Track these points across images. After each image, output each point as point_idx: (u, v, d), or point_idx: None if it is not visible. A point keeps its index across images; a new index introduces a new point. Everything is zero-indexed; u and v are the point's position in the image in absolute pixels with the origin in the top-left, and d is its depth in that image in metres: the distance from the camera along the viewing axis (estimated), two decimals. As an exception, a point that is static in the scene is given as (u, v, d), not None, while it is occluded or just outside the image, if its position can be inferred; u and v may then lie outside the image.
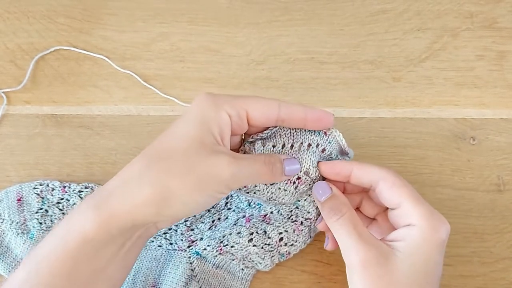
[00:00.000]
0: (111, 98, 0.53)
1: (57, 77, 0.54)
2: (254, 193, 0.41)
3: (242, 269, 0.45)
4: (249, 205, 0.46)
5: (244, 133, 0.40)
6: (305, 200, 0.43)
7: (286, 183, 0.40)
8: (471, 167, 0.50)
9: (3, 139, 0.51)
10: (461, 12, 0.56)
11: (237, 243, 0.44)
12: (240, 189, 0.40)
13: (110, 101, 0.53)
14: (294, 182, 0.40)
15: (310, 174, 0.40)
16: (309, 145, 0.40)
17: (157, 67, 0.54)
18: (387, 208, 0.40)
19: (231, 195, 0.47)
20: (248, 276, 0.45)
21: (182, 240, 0.46)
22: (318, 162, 0.40)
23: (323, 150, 0.40)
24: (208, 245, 0.45)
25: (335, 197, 0.39)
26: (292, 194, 0.41)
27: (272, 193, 0.41)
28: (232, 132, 0.37)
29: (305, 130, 0.40)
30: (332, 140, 0.40)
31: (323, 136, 0.40)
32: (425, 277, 0.35)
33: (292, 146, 0.40)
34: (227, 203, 0.47)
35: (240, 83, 0.53)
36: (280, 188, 0.40)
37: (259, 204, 0.45)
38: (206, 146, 0.35)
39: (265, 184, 0.40)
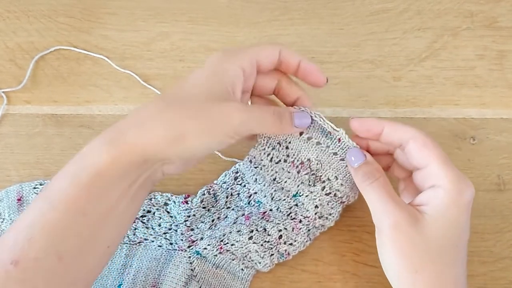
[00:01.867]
0: (111, 98, 0.53)
1: (57, 76, 0.54)
2: (261, 168, 0.43)
3: (242, 269, 0.45)
4: (249, 203, 0.46)
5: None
6: (306, 196, 0.43)
7: (290, 166, 0.42)
8: (471, 167, 0.50)
9: (3, 139, 0.51)
10: (461, 12, 0.56)
11: (237, 241, 0.44)
12: (250, 161, 0.43)
13: (110, 101, 0.53)
14: (297, 167, 0.42)
15: (311, 164, 0.42)
16: (318, 143, 0.42)
17: (157, 67, 0.54)
18: (412, 173, 0.41)
19: (231, 194, 0.47)
20: (248, 276, 0.45)
21: (182, 240, 0.46)
22: (351, 118, 0.41)
23: (335, 154, 0.42)
24: (209, 245, 0.45)
25: (369, 163, 0.40)
26: (294, 179, 0.43)
27: (276, 172, 0.43)
28: (243, 83, 0.39)
29: (321, 133, 0.42)
30: (345, 147, 0.41)
31: (336, 142, 0.41)
32: (453, 239, 0.37)
33: (301, 134, 0.42)
34: (226, 202, 0.47)
35: (240, 82, 0.53)
36: (283, 169, 0.42)
37: (258, 201, 0.45)
38: (217, 94, 0.37)
39: (270, 161, 0.42)
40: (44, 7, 0.57)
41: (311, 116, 0.41)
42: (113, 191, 0.35)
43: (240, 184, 0.46)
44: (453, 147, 0.51)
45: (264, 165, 0.43)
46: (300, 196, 0.44)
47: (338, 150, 0.41)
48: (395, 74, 0.54)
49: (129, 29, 0.56)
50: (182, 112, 0.36)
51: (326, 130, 0.41)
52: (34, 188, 0.48)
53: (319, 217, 0.44)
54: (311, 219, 0.44)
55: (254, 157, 0.43)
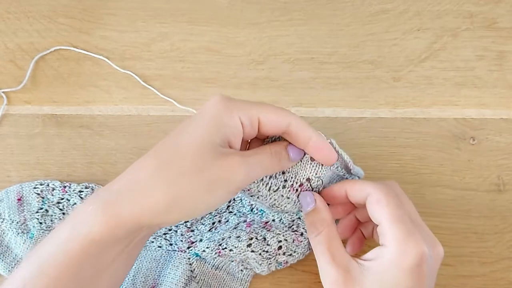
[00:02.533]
0: (111, 98, 0.53)
1: (57, 77, 0.54)
2: (258, 197, 0.40)
3: (242, 270, 0.45)
4: (251, 210, 0.46)
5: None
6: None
7: (289, 191, 0.39)
8: (471, 167, 0.50)
9: (3, 139, 0.51)
10: (461, 12, 0.56)
11: (235, 247, 0.43)
12: (243, 190, 0.40)
13: (110, 101, 0.53)
14: (297, 190, 0.40)
15: (311, 182, 0.39)
16: (313, 158, 0.39)
17: (157, 67, 0.54)
18: None
19: (234, 199, 0.47)
20: (247, 277, 0.45)
21: (182, 241, 0.46)
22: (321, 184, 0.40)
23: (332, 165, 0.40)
24: (207, 247, 0.45)
25: (316, 211, 0.39)
26: (295, 202, 0.40)
27: (275, 199, 0.40)
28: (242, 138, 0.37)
29: None
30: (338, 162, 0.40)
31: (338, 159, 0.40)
32: None
33: None
34: (228, 206, 0.47)
35: (240, 83, 0.53)
36: (283, 196, 0.40)
37: (261, 211, 0.45)
38: (216, 149, 0.34)
39: (268, 190, 0.39)
40: (44, 8, 0.57)
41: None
42: (107, 256, 0.34)
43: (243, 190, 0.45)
44: (453, 148, 0.51)
45: (261, 195, 0.40)
46: (301, 211, 0.42)
47: (339, 167, 0.40)
48: (394, 75, 0.54)
49: (129, 30, 0.56)
50: (179, 175, 0.34)
51: None
52: (34, 188, 0.48)
53: None
54: None
55: (250, 189, 0.40)
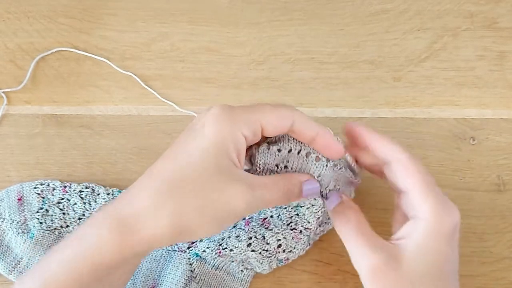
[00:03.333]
0: (112, 98, 0.53)
1: (58, 77, 0.54)
2: None
3: (242, 270, 0.45)
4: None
5: None
6: (307, 208, 0.42)
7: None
8: (471, 167, 0.50)
9: (3, 139, 0.51)
10: (461, 12, 0.56)
11: (236, 247, 0.43)
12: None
13: (110, 101, 0.53)
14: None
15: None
16: (318, 158, 0.38)
17: (157, 67, 0.54)
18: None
19: None
20: (247, 278, 0.45)
21: (182, 240, 0.46)
22: (346, 122, 0.39)
23: (335, 165, 0.39)
24: (208, 247, 0.45)
25: (343, 203, 0.38)
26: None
27: None
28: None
29: None
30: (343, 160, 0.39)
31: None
32: (437, 273, 0.34)
33: (299, 152, 0.38)
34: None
35: (240, 83, 0.53)
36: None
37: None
38: (222, 172, 0.34)
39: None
40: (44, 8, 0.57)
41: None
42: (113, 276, 0.34)
43: None
44: (453, 148, 0.51)
45: None
46: (301, 207, 0.42)
47: (338, 162, 0.39)
48: (395, 75, 0.54)
49: (129, 30, 0.56)
50: (183, 209, 0.33)
51: None
52: (35, 188, 0.48)
53: (319, 225, 0.43)
54: (312, 230, 0.43)
55: None
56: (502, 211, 0.48)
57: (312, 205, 0.42)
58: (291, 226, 0.43)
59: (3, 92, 0.53)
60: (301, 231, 0.43)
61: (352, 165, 0.40)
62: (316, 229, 0.43)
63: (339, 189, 0.40)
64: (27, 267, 0.45)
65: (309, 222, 0.42)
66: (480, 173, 0.50)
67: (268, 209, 0.44)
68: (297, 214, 0.43)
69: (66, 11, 0.57)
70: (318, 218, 0.42)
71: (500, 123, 0.52)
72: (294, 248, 0.44)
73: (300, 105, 0.52)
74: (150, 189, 0.34)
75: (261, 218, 0.44)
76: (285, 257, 0.44)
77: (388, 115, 0.52)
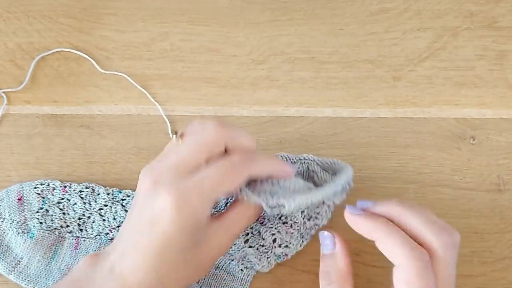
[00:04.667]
0: (111, 98, 0.53)
1: (57, 77, 0.54)
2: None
3: (242, 270, 0.45)
4: None
5: None
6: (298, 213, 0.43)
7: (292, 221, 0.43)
8: (471, 167, 0.50)
9: (3, 139, 0.51)
10: (461, 12, 0.56)
11: (234, 244, 0.44)
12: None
13: (110, 101, 0.53)
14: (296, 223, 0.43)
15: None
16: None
17: (157, 67, 0.54)
18: None
19: (232, 197, 0.47)
20: (247, 277, 0.45)
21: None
22: (346, 209, 0.38)
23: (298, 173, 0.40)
24: None
25: (333, 257, 0.37)
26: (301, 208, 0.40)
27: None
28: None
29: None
30: (304, 163, 0.41)
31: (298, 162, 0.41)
32: None
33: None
34: (227, 203, 0.47)
35: (240, 83, 0.53)
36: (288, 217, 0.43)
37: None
38: (197, 233, 0.35)
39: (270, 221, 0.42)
40: (44, 7, 0.57)
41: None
42: None
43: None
44: (453, 147, 0.51)
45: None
46: None
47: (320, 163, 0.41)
48: (395, 74, 0.54)
49: (129, 30, 0.56)
50: (164, 267, 0.35)
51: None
52: (35, 187, 0.48)
53: (308, 220, 0.44)
54: (300, 224, 0.43)
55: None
56: (502, 211, 0.48)
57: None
58: (282, 220, 0.44)
59: (3, 92, 0.53)
60: (291, 225, 0.44)
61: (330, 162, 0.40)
62: (305, 223, 0.43)
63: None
64: (27, 267, 0.45)
65: (295, 216, 0.43)
66: (480, 173, 0.50)
67: None
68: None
69: (66, 11, 0.57)
70: (302, 211, 0.43)
71: (500, 123, 0.52)
72: (290, 243, 0.44)
73: (300, 105, 0.52)
74: (134, 253, 0.35)
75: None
76: (282, 253, 0.44)
77: (388, 115, 0.52)
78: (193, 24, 0.56)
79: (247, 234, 0.44)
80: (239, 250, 0.43)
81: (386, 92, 0.53)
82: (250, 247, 0.43)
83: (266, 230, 0.43)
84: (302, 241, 0.45)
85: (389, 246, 0.33)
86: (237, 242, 0.43)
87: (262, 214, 0.44)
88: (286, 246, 0.44)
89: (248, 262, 0.45)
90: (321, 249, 0.38)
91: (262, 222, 0.44)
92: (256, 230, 0.44)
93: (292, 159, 0.44)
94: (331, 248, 0.37)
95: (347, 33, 0.56)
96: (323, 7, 0.57)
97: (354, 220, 0.36)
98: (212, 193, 0.35)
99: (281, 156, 0.44)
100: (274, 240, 0.44)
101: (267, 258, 0.44)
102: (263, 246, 0.44)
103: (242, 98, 0.53)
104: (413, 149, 0.51)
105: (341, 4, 0.57)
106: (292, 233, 0.44)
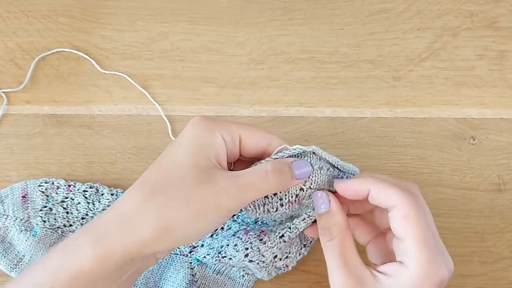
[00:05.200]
0: (111, 98, 0.53)
1: (57, 76, 0.54)
2: (262, 218, 0.41)
3: (243, 275, 0.45)
4: (256, 222, 0.45)
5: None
6: (302, 220, 0.41)
7: (288, 206, 0.39)
8: (471, 167, 0.50)
9: (3, 139, 0.51)
10: (461, 12, 0.56)
11: (234, 256, 0.42)
12: (248, 209, 0.39)
13: (110, 101, 0.53)
14: (295, 201, 0.39)
15: (305, 191, 0.39)
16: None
17: (157, 67, 0.54)
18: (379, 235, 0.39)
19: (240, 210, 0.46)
20: (249, 283, 0.45)
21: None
22: (335, 180, 0.38)
23: (320, 169, 0.39)
24: (208, 254, 0.44)
25: (330, 214, 0.37)
26: (300, 207, 0.40)
27: (279, 216, 0.41)
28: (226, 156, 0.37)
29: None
30: (320, 158, 0.39)
31: (313, 157, 0.38)
32: None
33: None
34: (234, 215, 0.46)
35: (240, 83, 0.53)
36: (285, 212, 0.39)
37: (266, 223, 0.44)
38: (203, 171, 0.34)
39: (268, 213, 0.39)
40: (44, 7, 0.57)
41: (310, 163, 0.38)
42: (97, 286, 0.34)
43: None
44: (453, 147, 0.51)
45: (265, 216, 0.40)
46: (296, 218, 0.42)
47: (322, 164, 0.39)
48: (395, 74, 0.54)
49: (129, 29, 0.56)
50: (168, 202, 0.33)
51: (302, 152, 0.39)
52: (39, 186, 0.48)
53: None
54: (300, 231, 0.42)
55: (252, 214, 0.40)
56: (502, 211, 0.48)
57: (309, 216, 0.40)
58: (283, 239, 0.41)
59: (3, 92, 0.53)
60: (293, 239, 0.42)
61: (338, 167, 0.39)
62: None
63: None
64: (29, 265, 0.45)
65: (297, 228, 0.41)
66: (480, 173, 0.50)
67: (266, 221, 0.44)
68: (289, 228, 0.41)
69: (66, 11, 0.57)
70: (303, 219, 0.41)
71: (500, 122, 0.52)
72: (289, 252, 0.43)
73: (300, 105, 0.52)
74: (134, 197, 0.34)
75: (260, 230, 0.43)
76: (283, 264, 0.43)
77: (388, 115, 0.52)
78: (193, 24, 0.56)
79: (247, 248, 0.42)
80: (239, 262, 0.43)
81: (386, 92, 0.53)
82: (251, 261, 0.42)
83: (266, 250, 0.42)
84: (301, 248, 0.44)
85: (383, 191, 0.35)
86: (237, 255, 0.42)
87: (264, 230, 0.43)
88: (286, 257, 0.43)
89: (249, 269, 0.44)
90: (316, 210, 0.38)
91: (262, 239, 0.42)
92: (256, 247, 0.42)
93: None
94: (327, 206, 0.37)
95: (347, 33, 0.56)
96: (323, 7, 0.57)
97: (344, 185, 0.37)
98: (235, 130, 0.36)
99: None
100: (275, 256, 0.42)
101: (267, 271, 0.43)
102: (263, 262, 0.42)
103: (242, 98, 0.53)
104: (413, 149, 0.51)
105: (341, 4, 0.57)
106: (293, 241, 0.43)
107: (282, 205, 0.39)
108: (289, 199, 0.39)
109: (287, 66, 0.54)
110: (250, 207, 0.39)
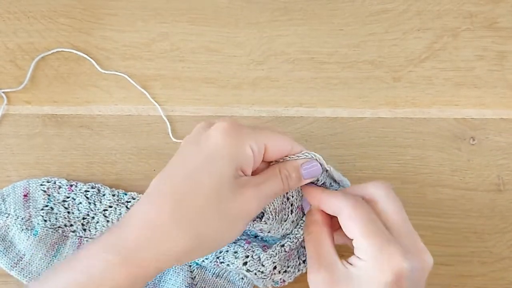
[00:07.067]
0: (111, 98, 0.53)
1: (57, 77, 0.54)
2: (269, 232, 0.41)
3: (242, 278, 0.45)
4: (256, 237, 0.45)
5: None
6: (296, 229, 0.43)
7: (297, 212, 0.42)
8: (471, 167, 0.50)
9: (3, 139, 0.51)
10: (461, 12, 0.56)
11: (232, 263, 0.42)
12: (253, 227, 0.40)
13: (110, 101, 0.53)
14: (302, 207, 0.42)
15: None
16: None
17: (157, 67, 0.54)
18: None
19: None
20: (248, 286, 0.45)
21: (184, 248, 0.46)
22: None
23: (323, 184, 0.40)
24: (206, 258, 0.44)
25: (310, 213, 0.40)
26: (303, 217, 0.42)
27: (286, 228, 0.42)
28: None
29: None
30: (329, 176, 0.40)
31: (324, 174, 0.40)
32: None
33: None
34: None
35: (240, 83, 0.53)
36: (293, 221, 0.42)
37: (266, 240, 0.44)
38: (233, 182, 0.34)
39: (280, 223, 0.41)
40: (44, 8, 0.57)
41: (320, 164, 0.39)
42: None
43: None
44: (453, 148, 0.51)
45: (273, 229, 0.41)
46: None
47: (329, 181, 0.41)
48: (394, 75, 0.54)
49: (129, 30, 0.56)
50: (200, 215, 0.33)
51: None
52: (41, 185, 0.48)
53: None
54: (299, 241, 0.43)
55: (261, 229, 0.41)
56: (502, 211, 0.48)
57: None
58: (284, 249, 0.42)
59: (3, 92, 0.53)
60: (292, 249, 0.43)
61: (333, 175, 0.40)
62: (302, 240, 0.43)
63: None
64: (29, 264, 0.45)
65: (296, 239, 0.42)
66: (480, 173, 0.50)
67: (266, 238, 0.44)
68: (289, 238, 0.43)
69: (66, 11, 0.57)
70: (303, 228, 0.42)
71: (500, 123, 0.52)
72: (288, 266, 0.43)
73: (300, 105, 0.52)
74: (163, 207, 0.34)
75: (262, 244, 0.44)
76: (280, 279, 0.43)
77: (388, 115, 0.52)
78: (193, 24, 0.56)
79: (247, 256, 0.42)
80: (236, 269, 0.43)
81: (386, 93, 0.53)
82: (248, 271, 0.42)
83: (267, 259, 0.42)
84: (299, 263, 0.44)
85: (327, 200, 0.38)
86: (236, 262, 0.42)
87: (266, 246, 0.43)
88: (285, 271, 0.43)
89: (246, 277, 0.44)
90: (305, 208, 0.41)
91: (264, 249, 0.43)
92: (256, 255, 0.42)
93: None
94: (308, 206, 0.40)
95: (347, 33, 0.56)
96: (323, 7, 0.57)
97: (307, 189, 0.40)
98: (262, 139, 0.36)
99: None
100: (275, 268, 0.42)
101: (264, 282, 0.43)
102: (262, 272, 0.42)
103: (242, 98, 0.53)
104: (413, 149, 0.51)
105: (341, 4, 0.57)
106: (289, 257, 0.43)
107: (292, 211, 0.41)
108: (298, 204, 0.41)
109: (287, 66, 0.54)
110: (272, 214, 0.39)
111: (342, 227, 0.37)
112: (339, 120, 0.52)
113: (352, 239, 0.36)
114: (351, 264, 0.36)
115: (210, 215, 0.33)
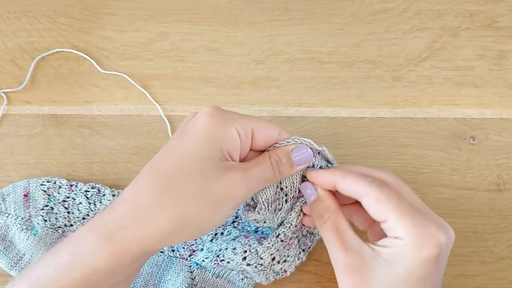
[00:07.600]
0: (111, 98, 0.53)
1: (57, 77, 0.54)
2: (265, 222, 0.41)
3: (242, 279, 0.45)
4: (256, 231, 0.45)
5: None
6: (289, 214, 0.42)
7: (292, 202, 0.41)
8: (471, 167, 0.50)
9: (3, 139, 0.51)
10: (461, 12, 0.56)
11: (232, 260, 0.43)
12: (247, 218, 0.40)
13: (110, 101, 0.53)
14: (298, 197, 0.41)
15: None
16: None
17: (157, 67, 0.54)
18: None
19: (240, 217, 0.46)
20: (248, 286, 0.45)
21: (184, 248, 0.46)
22: (307, 169, 0.40)
23: (313, 166, 0.40)
24: (206, 257, 0.44)
25: (320, 200, 0.39)
26: (298, 207, 0.42)
27: (282, 217, 0.42)
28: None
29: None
30: (322, 158, 0.41)
31: (317, 156, 0.40)
32: None
33: None
34: (234, 221, 0.46)
35: (240, 82, 0.53)
36: (287, 210, 0.41)
37: (266, 232, 0.45)
38: (218, 164, 0.34)
39: (274, 212, 0.40)
40: (44, 7, 0.57)
41: (310, 148, 0.39)
42: (108, 282, 0.34)
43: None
44: (453, 147, 0.51)
45: (268, 219, 0.41)
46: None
47: (322, 164, 0.40)
48: (394, 74, 0.54)
49: (129, 30, 0.56)
50: (183, 197, 0.33)
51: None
52: (42, 184, 0.48)
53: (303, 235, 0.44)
54: (298, 228, 0.43)
55: (256, 219, 0.41)
56: (502, 211, 0.48)
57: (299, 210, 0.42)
58: (280, 238, 0.42)
59: (3, 92, 0.53)
60: (291, 238, 0.43)
61: (329, 158, 0.41)
62: (302, 228, 0.43)
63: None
64: (29, 263, 0.45)
65: (291, 223, 0.42)
66: (480, 173, 0.50)
67: (265, 230, 0.44)
68: (284, 225, 0.42)
69: (66, 11, 0.57)
70: (299, 215, 0.42)
71: (499, 122, 0.52)
72: (288, 256, 0.43)
73: (300, 105, 0.52)
74: (148, 189, 0.34)
75: (260, 237, 0.44)
76: (281, 269, 0.43)
77: (387, 115, 0.52)
78: (193, 24, 0.56)
79: (245, 251, 0.42)
80: (237, 266, 0.43)
81: (386, 92, 0.53)
82: (248, 265, 0.42)
83: (264, 251, 0.42)
84: (299, 252, 0.44)
85: (348, 184, 0.37)
86: (235, 259, 0.42)
87: (264, 238, 0.43)
88: (285, 261, 0.43)
89: (247, 273, 0.44)
90: (307, 200, 0.39)
91: (260, 242, 0.43)
92: (254, 248, 0.42)
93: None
94: (315, 193, 0.39)
95: (347, 33, 0.56)
96: (323, 7, 0.57)
97: (314, 174, 0.39)
98: (248, 123, 0.36)
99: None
100: (273, 259, 0.42)
101: (266, 274, 0.43)
102: (261, 265, 0.42)
103: (242, 98, 0.53)
104: (413, 149, 0.51)
105: (341, 4, 0.57)
106: (292, 243, 0.43)
107: (287, 201, 0.40)
108: (293, 194, 0.40)
109: (287, 66, 0.54)
110: (264, 204, 0.39)
111: (367, 210, 0.36)
112: (339, 119, 0.52)
113: (382, 221, 0.35)
114: (383, 246, 0.35)
115: (193, 194, 0.33)
